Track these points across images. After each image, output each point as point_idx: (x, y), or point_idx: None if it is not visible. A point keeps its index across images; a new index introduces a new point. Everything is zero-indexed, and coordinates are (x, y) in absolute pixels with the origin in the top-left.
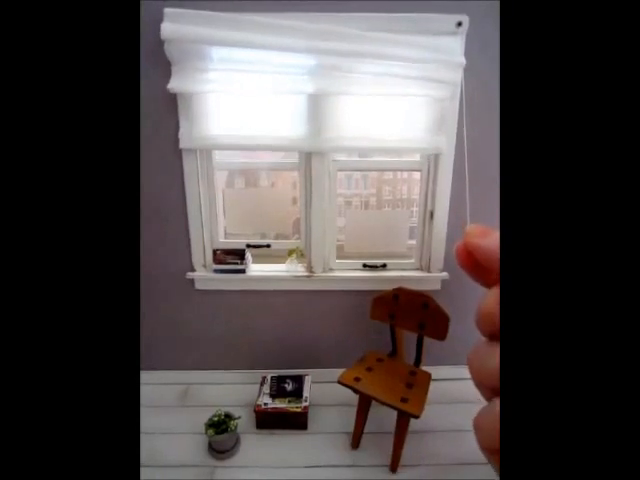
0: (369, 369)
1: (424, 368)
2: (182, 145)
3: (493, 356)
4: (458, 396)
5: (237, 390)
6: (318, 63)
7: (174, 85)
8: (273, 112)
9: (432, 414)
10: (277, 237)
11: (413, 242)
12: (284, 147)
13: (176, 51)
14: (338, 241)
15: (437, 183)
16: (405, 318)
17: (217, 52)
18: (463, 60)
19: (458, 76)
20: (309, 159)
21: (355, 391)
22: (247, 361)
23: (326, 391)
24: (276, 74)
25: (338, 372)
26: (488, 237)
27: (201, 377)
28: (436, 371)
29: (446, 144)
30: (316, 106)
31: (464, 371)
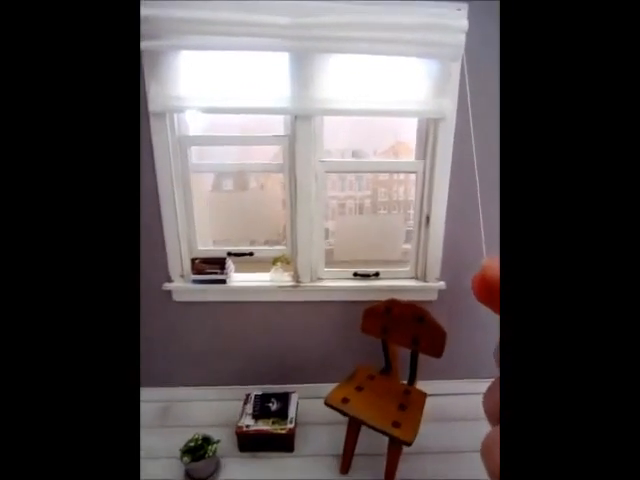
0: (359, 388)
1: (419, 382)
2: (151, 108)
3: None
4: (454, 413)
5: (220, 407)
6: (301, 25)
7: (146, 45)
8: (252, 73)
9: (427, 433)
10: (267, 243)
11: (409, 246)
12: (266, 110)
13: (152, 29)
14: (329, 245)
15: (433, 186)
16: (398, 332)
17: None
18: (465, 24)
19: (461, 39)
20: (293, 159)
21: (343, 414)
22: (230, 377)
23: (314, 407)
24: (255, 36)
25: (327, 387)
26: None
27: (182, 394)
28: (431, 385)
29: (450, 108)
30: (301, 65)
31: (461, 385)
